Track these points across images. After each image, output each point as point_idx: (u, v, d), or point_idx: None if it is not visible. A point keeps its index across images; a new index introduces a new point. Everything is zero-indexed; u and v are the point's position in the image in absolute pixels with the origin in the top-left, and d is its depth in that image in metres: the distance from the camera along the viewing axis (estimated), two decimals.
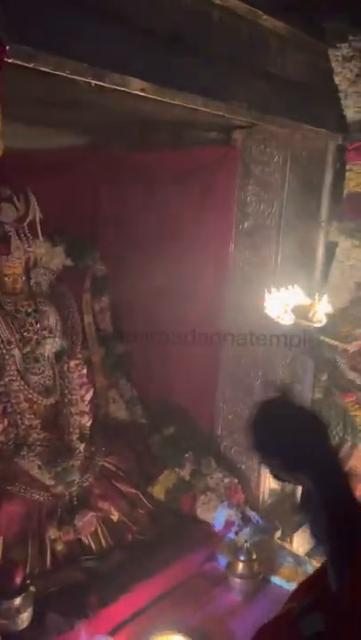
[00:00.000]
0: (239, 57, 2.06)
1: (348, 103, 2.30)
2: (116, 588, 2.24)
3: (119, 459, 2.68)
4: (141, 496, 2.65)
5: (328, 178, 2.49)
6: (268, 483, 2.72)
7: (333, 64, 2.31)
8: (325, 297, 1.88)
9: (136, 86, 1.65)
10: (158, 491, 2.70)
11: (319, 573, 1.06)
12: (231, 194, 2.61)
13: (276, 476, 1.07)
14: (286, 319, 1.88)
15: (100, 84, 1.59)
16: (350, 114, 2.32)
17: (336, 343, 2.85)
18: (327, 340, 2.75)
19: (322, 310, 1.86)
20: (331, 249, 2.52)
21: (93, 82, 1.59)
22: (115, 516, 2.53)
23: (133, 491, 2.64)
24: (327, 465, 0.98)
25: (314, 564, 2.44)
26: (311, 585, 1.09)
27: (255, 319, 2.59)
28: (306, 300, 1.90)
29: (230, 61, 2.00)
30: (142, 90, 1.66)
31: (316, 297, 1.87)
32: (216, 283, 2.69)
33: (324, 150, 2.47)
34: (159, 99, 1.75)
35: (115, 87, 1.62)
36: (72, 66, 1.44)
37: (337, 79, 2.33)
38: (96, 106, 2.21)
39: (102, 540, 2.46)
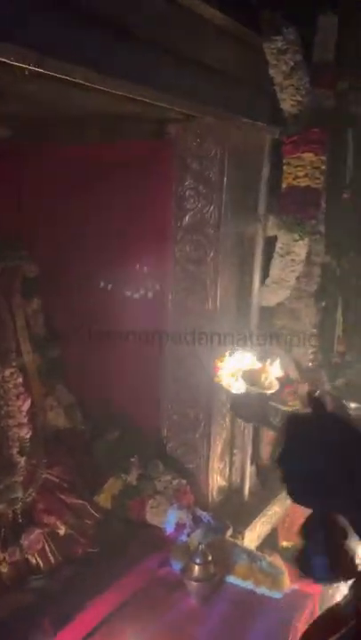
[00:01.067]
0: (173, 45, 1.98)
1: (285, 96, 2.30)
2: (70, 606, 2.13)
3: (62, 469, 2.55)
4: (88, 506, 2.54)
5: (265, 172, 2.48)
6: (216, 481, 2.70)
7: (268, 57, 2.29)
8: (277, 361, 1.84)
9: (75, 74, 1.55)
10: (104, 499, 2.61)
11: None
12: (168, 189, 2.54)
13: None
14: (237, 387, 1.84)
15: (40, 70, 1.47)
16: (287, 107, 2.31)
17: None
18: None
19: (273, 374, 1.82)
20: (270, 243, 2.52)
21: (29, 68, 1.47)
22: (61, 530, 2.41)
23: (79, 501, 2.52)
24: None
25: (267, 559, 2.44)
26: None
27: (198, 317, 2.57)
28: (256, 364, 1.85)
29: (164, 49, 1.93)
30: (79, 77, 1.56)
31: (268, 361, 1.83)
32: (157, 280, 2.62)
33: (261, 144, 2.46)
34: (90, 85, 1.64)
35: (51, 74, 1.51)
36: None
37: (272, 72, 2.31)
38: (23, 97, 2.07)
39: (50, 557, 2.34)
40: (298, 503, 0.86)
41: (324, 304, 3.24)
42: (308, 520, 1.02)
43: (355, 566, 1.00)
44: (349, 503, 0.80)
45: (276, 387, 1.79)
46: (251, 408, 1.70)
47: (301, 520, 2.89)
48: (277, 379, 1.81)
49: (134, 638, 2.08)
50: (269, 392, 1.74)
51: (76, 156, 2.64)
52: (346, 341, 3.75)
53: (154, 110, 2.20)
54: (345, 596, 1.08)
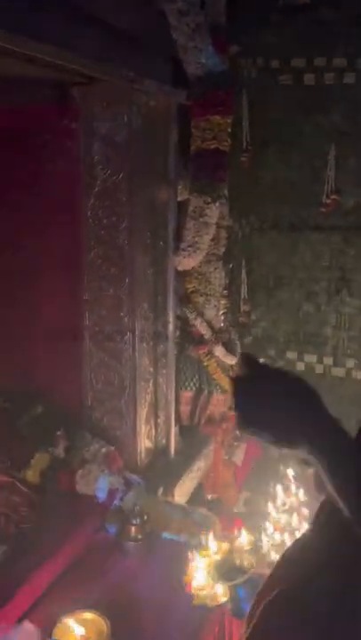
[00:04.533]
0: (74, 3, 1.93)
1: (189, 59, 2.31)
2: (8, 584, 2.10)
3: None
4: (16, 483, 2.49)
5: (173, 136, 2.49)
6: (143, 444, 2.74)
7: (170, 18, 2.29)
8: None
9: None
10: (33, 475, 2.57)
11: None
12: (75, 154, 2.48)
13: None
14: None
15: None
16: (191, 70, 2.33)
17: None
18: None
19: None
20: (182, 208, 2.55)
21: None
22: None
23: (7, 479, 2.47)
24: (328, 429, 0.86)
25: (199, 511, 2.55)
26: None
27: (116, 284, 2.56)
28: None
29: (63, 5, 1.86)
30: None
31: None
32: (70, 249, 2.57)
33: (168, 108, 2.46)
34: None
35: None
36: None
37: (175, 34, 2.32)
38: None
39: None
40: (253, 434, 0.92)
41: (231, 266, 3.35)
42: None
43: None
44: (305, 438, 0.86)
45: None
46: None
47: (223, 475, 2.99)
48: None
49: (78, 604, 2.10)
50: None
51: None
52: (250, 301, 3.92)
53: (54, 72, 2.13)
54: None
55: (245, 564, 2.41)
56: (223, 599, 2.18)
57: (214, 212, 2.46)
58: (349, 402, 3.77)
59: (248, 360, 0.93)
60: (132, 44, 2.25)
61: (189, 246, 2.52)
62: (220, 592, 2.21)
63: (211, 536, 2.37)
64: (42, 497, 2.53)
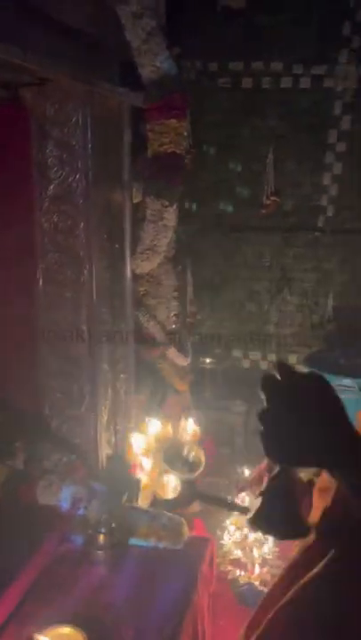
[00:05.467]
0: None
1: (143, 62, 2.30)
2: None
3: None
4: None
5: (127, 138, 2.47)
6: (104, 451, 2.71)
7: (124, 20, 2.27)
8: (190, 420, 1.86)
9: None
10: None
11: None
12: (27, 157, 2.41)
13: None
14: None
15: None
16: (146, 73, 2.32)
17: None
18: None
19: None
20: (140, 211, 2.54)
21: None
22: None
23: None
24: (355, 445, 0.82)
25: (166, 515, 2.55)
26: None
27: (73, 289, 2.51)
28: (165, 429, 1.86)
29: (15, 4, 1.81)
30: None
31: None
32: (24, 255, 2.49)
33: (121, 110, 2.43)
34: None
35: None
36: None
37: (128, 36, 2.30)
38: None
39: None
40: (276, 460, 0.87)
41: (180, 268, 3.37)
42: (272, 479, 1.08)
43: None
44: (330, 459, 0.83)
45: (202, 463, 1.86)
46: None
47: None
48: None
49: (51, 620, 2.05)
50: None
51: None
52: (196, 302, 3.96)
53: (3, 72, 2.06)
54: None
55: (192, 455, 2.42)
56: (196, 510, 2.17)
57: (172, 214, 2.46)
58: None
59: (284, 370, 0.85)
60: (86, 45, 2.21)
61: (147, 249, 2.51)
62: (172, 485, 2.20)
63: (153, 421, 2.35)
64: (2, 511, 2.45)
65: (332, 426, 0.82)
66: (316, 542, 1.11)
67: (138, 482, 2.60)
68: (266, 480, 1.14)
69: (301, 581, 1.06)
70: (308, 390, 0.83)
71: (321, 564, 1.02)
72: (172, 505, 2.28)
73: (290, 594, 1.06)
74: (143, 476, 2.35)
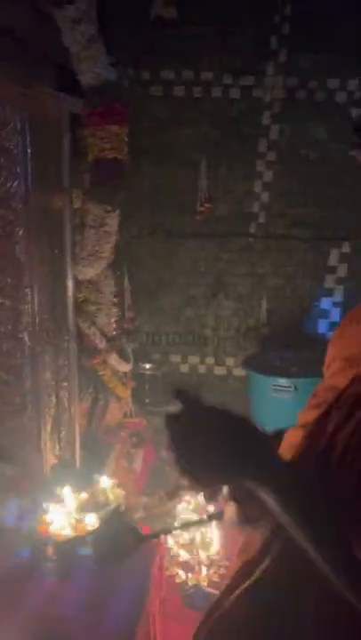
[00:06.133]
0: None
1: (83, 68, 2.30)
2: None
3: None
4: None
5: (66, 143, 2.45)
6: (48, 460, 2.66)
7: (62, 26, 2.26)
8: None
9: None
10: None
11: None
12: None
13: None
14: None
15: None
16: (86, 79, 2.32)
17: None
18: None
19: None
20: (80, 216, 2.52)
21: None
22: None
23: None
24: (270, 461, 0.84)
25: None
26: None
27: (14, 296, 2.46)
28: None
29: None
30: None
31: None
32: None
33: (60, 115, 2.41)
34: None
35: None
36: None
37: (67, 42, 2.29)
38: None
39: None
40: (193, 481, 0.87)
41: (118, 274, 3.37)
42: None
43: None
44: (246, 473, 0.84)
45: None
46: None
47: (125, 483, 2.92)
48: None
49: (4, 638, 1.99)
50: None
51: None
52: (134, 307, 3.96)
53: None
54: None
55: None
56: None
57: (114, 220, 2.47)
58: (232, 398, 3.98)
59: (181, 395, 0.87)
60: (25, 50, 2.18)
61: (90, 255, 2.50)
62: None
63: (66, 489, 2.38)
64: None
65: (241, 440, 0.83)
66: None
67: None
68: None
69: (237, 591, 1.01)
70: (210, 414, 0.85)
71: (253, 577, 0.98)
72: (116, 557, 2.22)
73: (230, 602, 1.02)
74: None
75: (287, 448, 0.96)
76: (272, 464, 0.83)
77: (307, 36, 3.51)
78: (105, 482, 2.66)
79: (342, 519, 0.75)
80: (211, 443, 0.82)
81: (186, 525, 2.31)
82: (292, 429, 1.00)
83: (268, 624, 0.90)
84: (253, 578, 0.95)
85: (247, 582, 0.96)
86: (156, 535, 1.91)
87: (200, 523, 2.16)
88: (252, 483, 0.83)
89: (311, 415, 0.94)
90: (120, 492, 2.67)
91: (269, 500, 0.81)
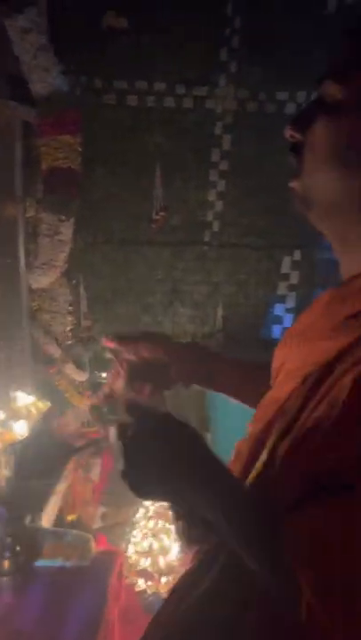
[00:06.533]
0: None
1: (34, 77, 2.29)
2: None
3: None
4: None
5: (18, 152, 2.44)
6: (2, 472, 2.61)
7: (11, 35, 2.26)
8: None
9: None
10: None
11: None
12: None
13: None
14: None
15: None
16: (37, 88, 2.31)
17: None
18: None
19: None
20: (33, 225, 2.51)
21: None
22: None
23: None
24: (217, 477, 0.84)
25: (72, 533, 2.51)
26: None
27: None
28: None
29: None
30: None
31: None
32: None
33: (11, 124, 2.40)
34: None
35: None
36: None
37: (17, 51, 2.29)
38: None
39: None
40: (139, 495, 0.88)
41: (74, 282, 3.36)
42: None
43: None
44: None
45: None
46: None
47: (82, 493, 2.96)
48: None
49: None
50: None
51: None
52: (90, 316, 3.94)
53: None
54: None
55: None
56: None
57: (69, 229, 2.46)
58: (190, 403, 4.01)
59: (131, 408, 0.88)
60: None
61: (44, 264, 2.49)
62: None
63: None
64: None
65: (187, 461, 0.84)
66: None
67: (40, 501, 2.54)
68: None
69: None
70: (159, 428, 0.86)
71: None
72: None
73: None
74: None
75: (235, 460, 0.97)
76: (217, 480, 0.83)
77: (256, 48, 3.60)
78: (24, 399, 2.56)
79: (283, 535, 0.75)
80: (156, 458, 0.83)
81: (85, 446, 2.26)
82: (240, 441, 1.00)
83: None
84: (195, 594, 0.94)
85: (189, 597, 0.95)
86: (84, 448, 1.88)
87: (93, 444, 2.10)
88: (194, 499, 0.83)
89: (256, 427, 0.95)
90: (45, 404, 2.57)
91: (213, 518, 0.82)
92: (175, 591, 1.03)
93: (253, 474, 0.87)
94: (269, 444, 0.85)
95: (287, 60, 3.56)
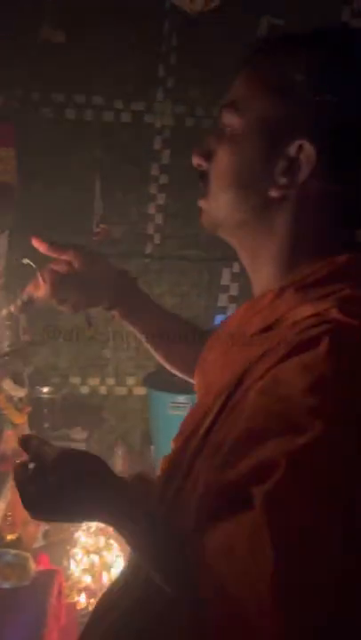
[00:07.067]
0: None
1: None
2: None
3: None
4: None
5: None
6: None
7: None
8: None
9: None
10: None
11: None
12: None
13: None
14: None
15: None
16: None
17: None
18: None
19: None
20: None
21: None
22: None
23: None
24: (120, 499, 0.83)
25: (11, 552, 2.46)
26: None
27: None
28: None
29: None
30: None
31: None
32: None
33: None
34: None
35: None
36: None
37: None
38: None
39: None
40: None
41: (12, 296, 3.30)
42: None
43: None
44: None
45: None
46: None
47: (22, 512, 2.92)
48: None
49: None
50: None
51: None
52: (30, 331, 3.88)
53: None
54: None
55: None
56: None
57: (4, 242, 2.43)
58: (133, 416, 4.01)
59: (25, 443, 0.86)
60: None
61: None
62: None
63: None
64: None
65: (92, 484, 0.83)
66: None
67: None
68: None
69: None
70: (57, 461, 0.83)
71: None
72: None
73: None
74: None
75: (160, 477, 0.96)
76: (120, 509, 0.82)
77: (192, 65, 3.67)
78: None
79: (186, 556, 0.74)
80: (56, 492, 0.80)
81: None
82: (164, 457, 1.00)
83: None
84: (123, 604, 0.94)
85: (117, 608, 0.95)
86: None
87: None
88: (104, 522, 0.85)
89: (176, 442, 0.96)
90: None
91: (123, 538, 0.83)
92: (102, 603, 1.02)
93: (170, 492, 0.87)
94: (185, 461, 0.86)
95: (223, 76, 3.64)
